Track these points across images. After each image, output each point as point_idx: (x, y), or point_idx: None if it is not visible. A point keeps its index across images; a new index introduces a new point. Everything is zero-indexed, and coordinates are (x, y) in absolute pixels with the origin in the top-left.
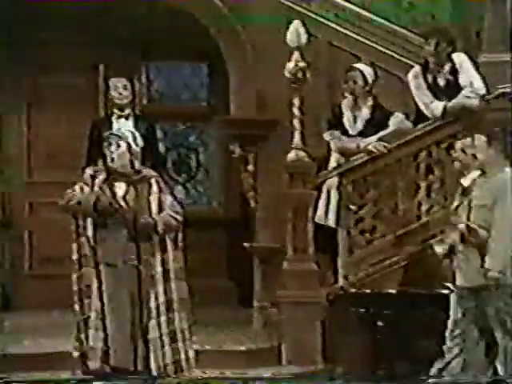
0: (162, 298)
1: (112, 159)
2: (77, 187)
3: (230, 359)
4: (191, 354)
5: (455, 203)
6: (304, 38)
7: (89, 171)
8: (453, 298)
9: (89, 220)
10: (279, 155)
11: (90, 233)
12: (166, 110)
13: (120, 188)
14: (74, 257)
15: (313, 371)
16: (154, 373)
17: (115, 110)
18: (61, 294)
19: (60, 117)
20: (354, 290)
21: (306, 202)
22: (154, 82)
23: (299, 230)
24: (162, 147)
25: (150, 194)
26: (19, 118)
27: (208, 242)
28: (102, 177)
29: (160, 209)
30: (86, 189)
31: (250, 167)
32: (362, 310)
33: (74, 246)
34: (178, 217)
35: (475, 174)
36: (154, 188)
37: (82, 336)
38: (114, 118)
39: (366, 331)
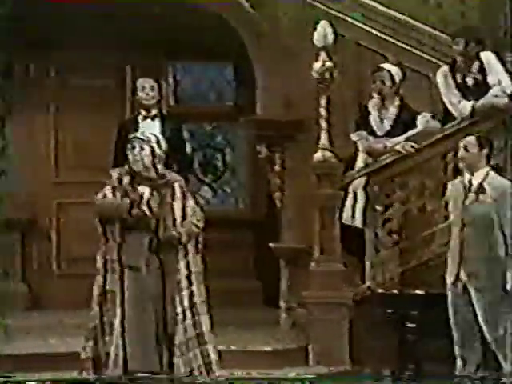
0: (186, 303)
1: (135, 162)
2: (107, 191)
3: (257, 360)
4: (216, 355)
5: (468, 200)
6: (331, 37)
7: (115, 174)
8: None
9: (117, 225)
10: (306, 156)
11: (118, 239)
12: (193, 111)
13: (144, 192)
14: (99, 261)
15: (340, 372)
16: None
17: (142, 111)
18: (88, 294)
19: (87, 117)
20: (381, 291)
21: (333, 203)
22: (180, 82)
23: (326, 230)
24: (188, 148)
25: (173, 200)
26: (47, 119)
27: (234, 242)
28: (126, 180)
29: (183, 214)
30: (117, 193)
31: (277, 168)
32: (390, 310)
33: (101, 250)
34: (200, 224)
35: (483, 171)
36: (178, 193)
37: (98, 341)
38: (140, 119)
39: (393, 332)
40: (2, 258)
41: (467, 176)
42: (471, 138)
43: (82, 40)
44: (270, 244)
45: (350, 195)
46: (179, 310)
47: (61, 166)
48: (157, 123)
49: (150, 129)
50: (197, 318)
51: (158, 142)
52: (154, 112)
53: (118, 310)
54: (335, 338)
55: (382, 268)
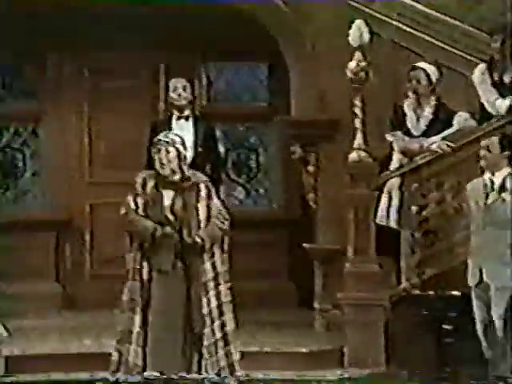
0: (213, 303)
1: (162, 166)
2: (130, 199)
3: (291, 361)
4: (238, 355)
5: (490, 200)
6: (366, 37)
7: (139, 179)
8: None
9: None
10: (340, 156)
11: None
12: (226, 111)
13: (168, 197)
14: (128, 267)
15: (375, 374)
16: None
17: (175, 111)
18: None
19: (121, 118)
20: (417, 292)
21: (368, 203)
22: (214, 82)
23: (360, 230)
24: (221, 148)
25: (198, 201)
26: (81, 119)
27: (268, 243)
28: (151, 184)
29: (208, 215)
30: (139, 200)
31: (311, 168)
32: (426, 312)
33: (128, 257)
34: (225, 225)
35: (505, 171)
36: (203, 193)
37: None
38: (173, 120)
39: (429, 333)
40: (37, 258)
41: (488, 175)
42: (494, 139)
43: (116, 40)
44: (304, 245)
45: (385, 195)
46: (206, 311)
47: (94, 166)
48: (190, 124)
49: (183, 129)
50: (223, 318)
51: (183, 143)
52: (186, 112)
53: (138, 318)
54: (370, 340)
55: (417, 269)
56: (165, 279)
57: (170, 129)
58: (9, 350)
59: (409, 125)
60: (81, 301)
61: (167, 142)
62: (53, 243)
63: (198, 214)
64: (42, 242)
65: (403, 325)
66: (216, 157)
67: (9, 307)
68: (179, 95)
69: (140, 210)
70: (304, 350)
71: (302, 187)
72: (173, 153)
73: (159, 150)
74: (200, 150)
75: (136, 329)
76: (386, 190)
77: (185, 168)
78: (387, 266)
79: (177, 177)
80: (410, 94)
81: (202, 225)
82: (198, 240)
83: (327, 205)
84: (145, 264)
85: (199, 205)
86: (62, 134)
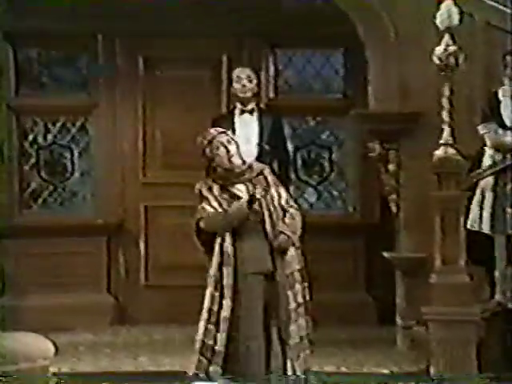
0: (300, 299)
1: (229, 161)
2: (207, 207)
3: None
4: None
5: None
6: (456, 18)
7: (204, 186)
8: None
9: (227, 235)
10: (425, 153)
11: (229, 249)
12: (296, 104)
13: (240, 191)
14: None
15: None
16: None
17: (238, 105)
18: (180, 307)
19: (178, 112)
20: None
21: (457, 206)
22: (282, 72)
23: (449, 237)
24: (290, 145)
25: (268, 188)
26: (135, 112)
27: (343, 251)
28: (216, 186)
29: (279, 203)
30: (215, 204)
31: (392, 167)
32: None
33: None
34: (298, 218)
35: None
36: (270, 180)
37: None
38: (236, 114)
39: None
40: (86, 266)
41: None
42: None
43: (173, 27)
44: (384, 253)
45: (477, 197)
46: (293, 306)
47: (149, 165)
48: (254, 118)
49: (247, 124)
50: (307, 317)
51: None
52: (251, 105)
53: (225, 326)
54: (461, 359)
55: None
56: (251, 279)
57: (233, 124)
58: (56, 367)
59: (504, 116)
60: (135, 314)
61: (228, 140)
62: (104, 250)
63: (273, 202)
64: (92, 249)
65: (497, 343)
66: (284, 155)
67: (56, 321)
68: (243, 86)
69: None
70: (386, 371)
71: (381, 188)
72: (233, 148)
73: (217, 148)
74: (266, 147)
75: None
76: (478, 190)
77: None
78: (479, 277)
79: (241, 168)
80: (506, 81)
81: (279, 212)
82: (290, 234)
83: (410, 208)
84: (227, 269)
85: (271, 193)
86: (113, 130)
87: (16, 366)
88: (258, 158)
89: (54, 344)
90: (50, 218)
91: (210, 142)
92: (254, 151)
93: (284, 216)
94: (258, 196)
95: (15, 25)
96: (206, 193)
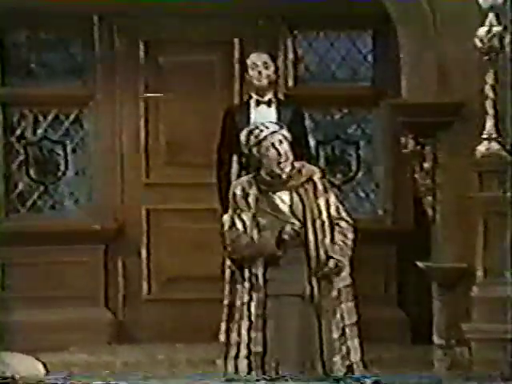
0: (348, 321)
1: (278, 166)
2: (237, 221)
3: None
4: None
5: None
6: None
7: (238, 190)
8: None
9: (259, 263)
10: (466, 149)
11: (260, 279)
12: (318, 94)
13: (282, 201)
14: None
15: None
16: None
17: (253, 95)
18: (187, 324)
19: (185, 103)
20: None
21: (502, 209)
22: (303, 58)
23: (492, 244)
24: (312, 140)
25: (316, 197)
26: (136, 105)
27: (372, 260)
28: (254, 192)
29: (328, 214)
30: (245, 218)
31: (427, 165)
32: None
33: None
34: (350, 235)
35: None
36: (319, 187)
37: None
38: (252, 105)
39: None
40: (81, 277)
41: None
42: None
43: (178, 7)
44: (419, 263)
45: None
46: (336, 335)
47: (152, 163)
48: (272, 110)
49: (264, 117)
50: (350, 343)
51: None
52: (268, 95)
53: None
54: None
55: None
56: (289, 304)
57: (248, 116)
58: None
59: None
60: (135, 331)
61: (272, 132)
62: (101, 259)
63: (321, 217)
64: (88, 258)
65: None
66: (306, 150)
67: (46, 339)
68: (259, 73)
69: (249, 230)
70: None
71: (415, 189)
72: (284, 144)
73: (267, 149)
74: None
75: None
76: None
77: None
78: None
79: (286, 171)
80: None
81: (327, 227)
82: (334, 266)
83: (449, 211)
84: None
85: (320, 201)
86: (112, 123)
87: None
88: None
89: (45, 365)
90: (39, 223)
91: (260, 142)
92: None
93: (333, 231)
94: (285, 237)
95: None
96: (239, 200)
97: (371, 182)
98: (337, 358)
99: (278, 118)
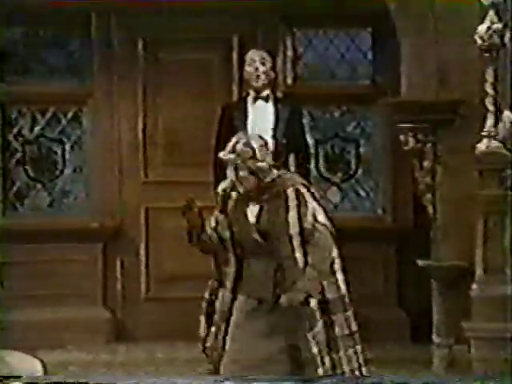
0: (322, 337)
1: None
2: (212, 220)
3: None
4: None
5: None
6: None
7: (220, 191)
8: None
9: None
10: (466, 146)
11: (233, 267)
12: (317, 92)
13: (252, 213)
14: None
15: None
16: None
17: (251, 91)
18: (185, 322)
19: (184, 101)
20: None
21: (502, 207)
22: (301, 55)
23: (492, 242)
24: (311, 138)
25: (287, 211)
26: (134, 103)
27: (371, 259)
28: (234, 196)
29: (301, 229)
30: (221, 218)
31: (427, 163)
32: None
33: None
34: (324, 242)
35: None
36: (291, 202)
37: None
38: (249, 101)
39: None
40: (79, 276)
41: None
42: None
43: (177, 4)
44: (419, 261)
45: None
46: (315, 350)
47: (150, 161)
48: (270, 106)
49: (261, 113)
50: (336, 356)
51: (264, 145)
52: (266, 92)
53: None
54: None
55: None
56: (259, 309)
57: (245, 113)
58: None
59: None
60: (134, 330)
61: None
62: (99, 257)
63: (288, 232)
64: (86, 256)
65: None
66: (303, 148)
67: (44, 338)
68: (256, 69)
69: (220, 229)
70: None
71: (415, 187)
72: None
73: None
74: (283, 139)
75: None
76: None
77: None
78: None
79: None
80: None
81: (296, 244)
82: (301, 299)
83: (448, 209)
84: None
85: (289, 217)
86: (110, 121)
87: None
88: (274, 153)
89: (43, 364)
90: (37, 221)
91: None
92: (270, 144)
93: (304, 244)
94: None
95: None
96: (219, 201)
97: (371, 180)
98: (320, 371)
99: (276, 114)
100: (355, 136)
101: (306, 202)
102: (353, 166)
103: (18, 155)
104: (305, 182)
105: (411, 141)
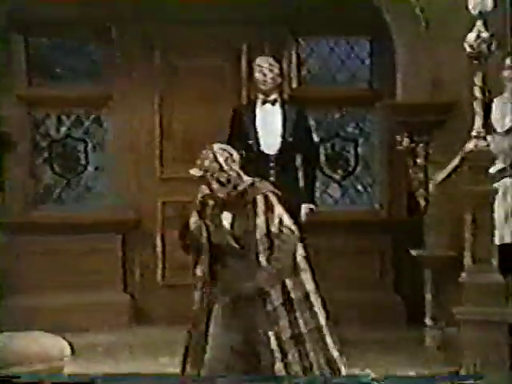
0: (287, 335)
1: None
2: (192, 220)
3: None
4: None
5: None
6: (490, 2)
7: (199, 197)
8: None
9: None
10: (456, 146)
11: (206, 275)
12: (320, 95)
13: (226, 219)
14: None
15: None
16: None
17: (259, 95)
18: None
19: (197, 104)
20: None
21: (489, 201)
22: (305, 61)
23: (480, 234)
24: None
25: (256, 217)
26: (151, 105)
27: (369, 249)
28: (211, 203)
29: (267, 233)
30: (193, 219)
31: (420, 161)
32: None
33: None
34: (289, 246)
35: None
36: (259, 208)
37: None
38: (258, 104)
39: None
40: (101, 264)
41: None
42: None
43: (191, 14)
44: (412, 251)
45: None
46: (274, 345)
47: (167, 159)
48: (277, 109)
49: (270, 115)
50: (309, 346)
51: (229, 156)
52: (273, 96)
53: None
54: (493, 362)
55: None
56: (232, 303)
57: (254, 115)
58: (71, 370)
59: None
60: (152, 313)
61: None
62: (119, 247)
63: (255, 233)
64: (107, 246)
65: None
66: (309, 148)
67: (70, 321)
68: (264, 75)
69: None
70: (413, 374)
71: (409, 184)
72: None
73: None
74: (290, 139)
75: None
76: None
77: (238, 179)
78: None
79: (232, 193)
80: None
81: (261, 248)
82: (253, 289)
83: (440, 203)
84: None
85: (258, 222)
86: (129, 123)
87: (31, 367)
88: (280, 152)
89: (71, 345)
90: (63, 215)
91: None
92: (277, 144)
93: (271, 246)
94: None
95: (26, 13)
96: (198, 206)
97: (369, 176)
98: (278, 366)
99: (283, 116)
100: (354, 136)
101: (273, 207)
102: (352, 164)
103: (45, 154)
104: (275, 189)
105: (406, 140)
